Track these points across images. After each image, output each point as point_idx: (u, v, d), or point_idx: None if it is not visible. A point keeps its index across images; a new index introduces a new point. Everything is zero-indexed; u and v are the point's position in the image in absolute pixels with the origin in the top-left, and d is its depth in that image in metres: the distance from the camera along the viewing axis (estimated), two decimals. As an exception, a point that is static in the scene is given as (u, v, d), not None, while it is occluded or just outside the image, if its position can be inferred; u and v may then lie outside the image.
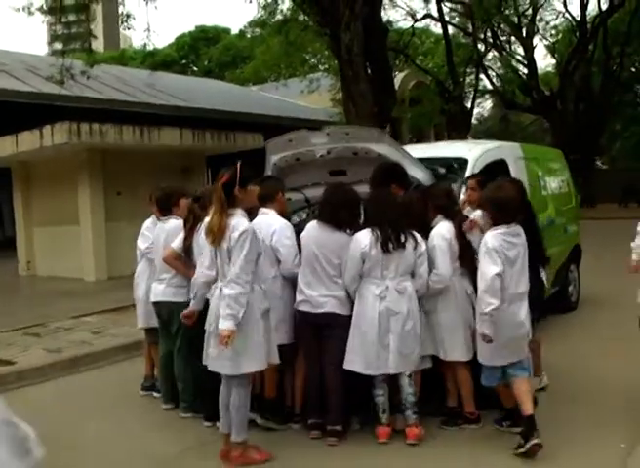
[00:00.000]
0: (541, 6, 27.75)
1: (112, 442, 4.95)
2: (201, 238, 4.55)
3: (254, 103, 25.26)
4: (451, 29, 28.06)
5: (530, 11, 27.20)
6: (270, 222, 4.79)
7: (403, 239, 4.44)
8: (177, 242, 5.13)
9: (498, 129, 37.30)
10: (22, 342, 8.10)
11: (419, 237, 4.55)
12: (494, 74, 30.38)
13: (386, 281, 4.47)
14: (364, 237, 4.50)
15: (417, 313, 4.53)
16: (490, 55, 29.32)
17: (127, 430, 5.19)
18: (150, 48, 27.71)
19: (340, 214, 4.66)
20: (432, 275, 4.58)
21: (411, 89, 30.31)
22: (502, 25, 27.15)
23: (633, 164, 36.48)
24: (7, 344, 8.04)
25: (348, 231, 4.66)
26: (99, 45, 50.32)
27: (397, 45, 26.08)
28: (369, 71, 16.48)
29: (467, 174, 6.12)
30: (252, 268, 4.12)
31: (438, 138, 26.95)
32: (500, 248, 4.18)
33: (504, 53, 27.77)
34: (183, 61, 43.66)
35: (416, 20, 27.64)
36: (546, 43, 32.38)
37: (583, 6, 27.33)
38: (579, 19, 28.34)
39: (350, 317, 4.62)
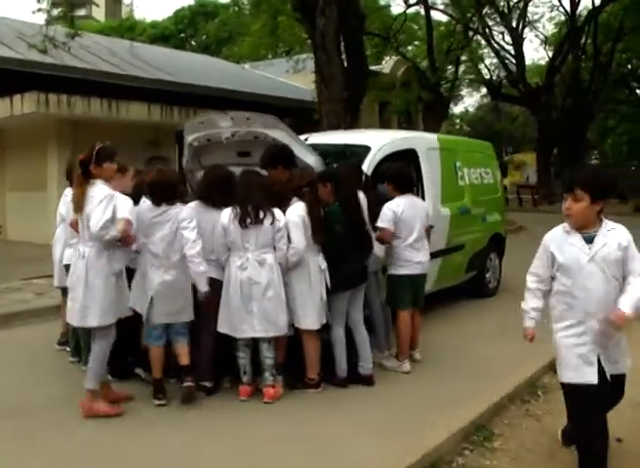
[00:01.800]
0: (532, -1, 27.95)
1: (14, 387, 5.50)
2: None
3: (242, 81, 25.58)
4: (445, 17, 28.43)
5: (521, 3, 27.40)
6: None
7: (262, 216, 4.93)
8: (81, 209, 5.61)
9: (490, 118, 37.62)
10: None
11: (278, 214, 5.04)
12: (482, 65, 30.63)
13: (247, 253, 4.98)
14: (225, 213, 5.03)
15: (278, 283, 5.03)
16: (481, 44, 29.48)
17: (31, 379, 5.72)
18: (135, 20, 27.83)
19: (213, 192, 5.18)
20: (289, 248, 5.06)
21: (401, 74, 30.75)
22: (493, 15, 27.34)
23: (624, 161, 36.85)
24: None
25: (222, 207, 5.16)
26: (100, 14, 50.53)
27: (389, 30, 26.42)
28: (343, 56, 16.81)
29: (368, 160, 6.58)
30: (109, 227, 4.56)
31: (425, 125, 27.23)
32: None
33: (493, 42, 27.96)
34: (182, 35, 43.89)
35: (409, 6, 27.89)
36: (537, 34, 32.65)
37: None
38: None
39: None
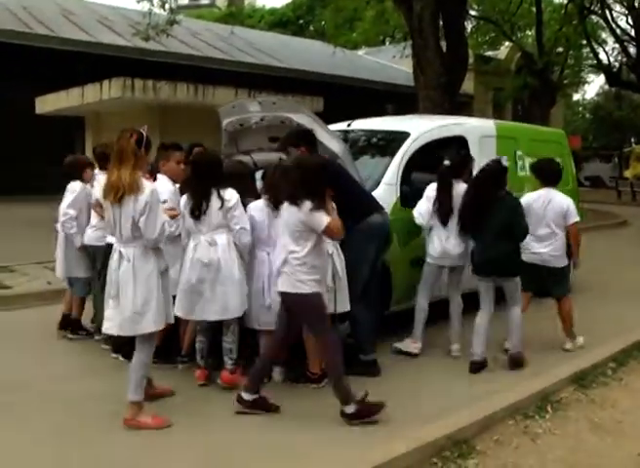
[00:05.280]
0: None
1: (35, 361, 5.71)
2: None
3: (349, 66, 25.63)
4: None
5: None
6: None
7: (204, 206, 4.80)
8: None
9: (610, 106, 35.28)
10: (37, 273, 9.05)
11: (228, 195, 4.84)
12: (601, 49, 28.45)
13: (200, 235, 4.85)
14: (182, 201, 5.00)
15: (233, 263, 4.83)
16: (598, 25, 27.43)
17: (55, 353, 5.98)
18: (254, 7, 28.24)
19: None
20: None
21: (517, 60, 29.55)
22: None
23: None
24: (23, 273, 9.07)
25: None
26: (222, 1, 51.71)
27: (504, 14, 25.32)
28: (441, 41, 16.26)
29: (404, 147, 6.25)
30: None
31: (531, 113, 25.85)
32: None
33: (614, 25, 25.89)
34: (300, 22, 44.14)
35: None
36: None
37: None
38: None
39: None
